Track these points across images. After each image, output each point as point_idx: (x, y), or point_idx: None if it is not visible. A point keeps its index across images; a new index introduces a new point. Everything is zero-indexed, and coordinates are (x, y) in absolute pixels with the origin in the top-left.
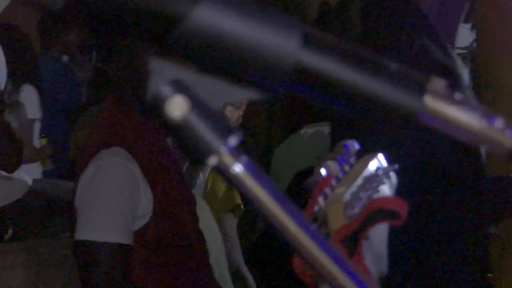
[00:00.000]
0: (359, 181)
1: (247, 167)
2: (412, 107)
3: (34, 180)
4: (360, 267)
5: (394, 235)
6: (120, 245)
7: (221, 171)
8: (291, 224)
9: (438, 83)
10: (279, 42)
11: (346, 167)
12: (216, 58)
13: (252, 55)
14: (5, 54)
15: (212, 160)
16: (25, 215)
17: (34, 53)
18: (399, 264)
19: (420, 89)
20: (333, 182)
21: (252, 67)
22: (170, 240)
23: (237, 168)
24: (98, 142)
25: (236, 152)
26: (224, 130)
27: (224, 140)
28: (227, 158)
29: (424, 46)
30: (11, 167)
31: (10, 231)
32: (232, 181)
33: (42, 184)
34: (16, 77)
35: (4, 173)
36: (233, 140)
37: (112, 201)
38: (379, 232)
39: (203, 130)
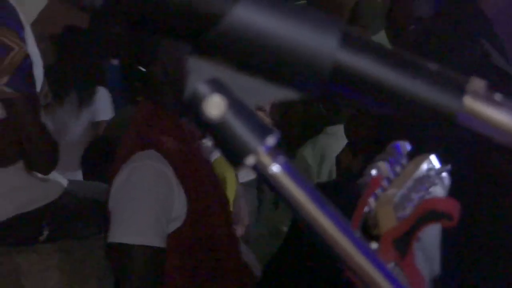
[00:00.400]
0: (410, 182)
1: (284, 167)
2: (452, 107)
3: (70, 182)
4: (411, 268)
5: (446, 236)
6: (154, 248)
7: (259, 171)
8: (329, 225)
9: (478, 83)
10: (317, 41)
11: (398, 168)
12: (253, 57)
13: (289, 54)
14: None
15: (250, 160)
16: (60, 216)
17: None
18: (451, 265)
19: (460, 89)
20: (384, 183)
21: (289, 66)
22: (203, 242)
23: (275, 168)
24: (132, 145)
25: (274, 152)
26: (262, 130)
27: (261, 140)
28: (265, 158)
29: (486, 51)
30: (47, 169)
31: (46, 233)
32: (269, 181)
33: (77, 185)
34: (87, 79)
35: (39, 175)
36: (271, 140)
37: (146, 204)
38: (431, 233)
39: (241, 130)
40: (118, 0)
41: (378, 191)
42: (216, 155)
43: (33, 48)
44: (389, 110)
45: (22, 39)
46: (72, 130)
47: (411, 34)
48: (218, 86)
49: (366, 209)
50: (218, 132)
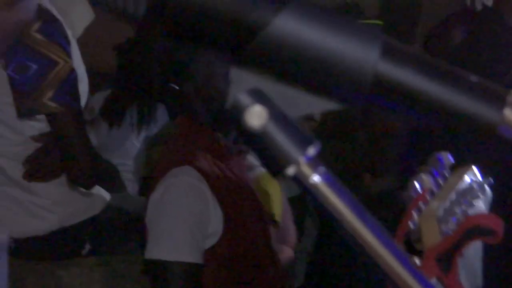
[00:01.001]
0: (453, 195)
1: (325, 177)
2: (492, 119)
3: (113, 196)
4: (454, 284)
5: (488, 251)
6: (191, 264)
7: (299, 181)
8: (369, 235)
9: None
10: (358, 52)
11: (440, 180)
12: (295, 68)
13: (331, 65)
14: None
15: (291, 170)
16: (103, 230)
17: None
18: (493, 281)
19: (500, 101)
20: (427, 196)
21: (330, 77)
22: (241, 258)
23: (316, 178)
24: (169, 161)
25: (315, 162)
26: (303, 140)
27: (303, 150)
28: (306, 168)
29: None
30: (89, 185)
31: (88, 246)
32: (310, 191)
33: (120, 200)
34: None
35: (82, 190)
36: (311, 150)
37: (182, 220)
38: (474, 248)
39: (282, 140)
40: (162, 10)
41: (421, 204)
42: (259, 171)
43: (78, 63)
44: (429, 121)
45: (68, 54)
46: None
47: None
48: (259, 97)
49: (410, 223)
50: (259, 142)
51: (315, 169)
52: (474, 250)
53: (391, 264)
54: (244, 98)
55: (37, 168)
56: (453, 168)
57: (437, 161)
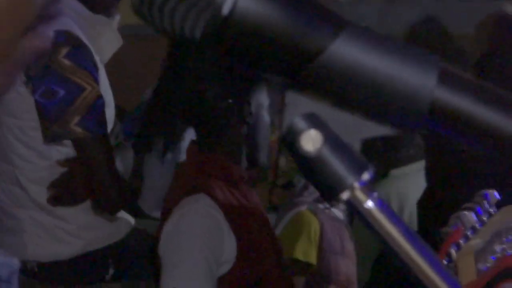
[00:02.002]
0: (495, 233)
1: (378, 203)
2: None
3: (137, 221)
4: None
5: None
6: None
7: (353, 206)
8: (422, 262)
9: None
10: (416, 78)
11: (485, 218)
12: (350, 93)
13: (387, 90)
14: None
15: (345, 195)
16: (127, 255)
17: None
18: None
19: None
20: (469, 233)
21: (387, 102)
22: (253, 285)
23: (370, 203)
24: (182, 189)
25: (368, 188)
26: (357, 165)
27: (357, 175)
28: (360, 194)
29: None
30: (114, 210)
31: (111, 271)
32: (363, 216)
33: (145, 225)
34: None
35: (107, 215)
36: (366, 176)
37: (196, 249)
38: None
39: (337, 165)
40: (218, 34)
41: (461, 240)
42: (303, 207)
43: (106, 88)
44: (485, 149)
45: (96, 80)
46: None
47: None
48: (314, 121)
49: (445, 259)
50: (314, 166)
51: (369, 195)
52: None
53: None
54: (299, 122)
55: (62, 193)
56: (499, 206)
57: (482, 198)
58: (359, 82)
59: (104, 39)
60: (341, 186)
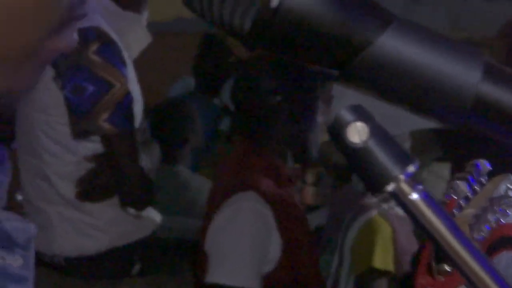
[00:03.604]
0: (487, 202)
1: (423, 195)
2: None
3: (164, 217)
4: None
5: None
6: None
7: (398, 198)
8: (466, 254)
9: None
10: (460, 72)
11: (477, 187)
12: (396, 86)
13: (432, 84)
14: None
15: (390, 187)
16: (153, 251)
17: None
18: None
19: None
20: (462, 202)
21: (431, 96)
22: (295, 285)
23: (415, 195)
24: (231, 185)
25: (413, 180)
26: (403, 157)
27: (402, 168)
28: (405, 186)
29: None
30: (141, 206)
31: (137, 267)
32: (408, 208)
33: (171, 221)
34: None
35: (134, 211)
36: (411, 168)
37: (245, 246)
38: (506, 258)
39: (382, 157)
40: (267, 26)
41: (455, 210)
42: (373, 212)
43: (134, 84)
44: None
45: (124, 76)
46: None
47: None
48: (361, 113)
49: None
50: (359, 158)
51: (414, 187)
52: (506, 261)
53: (487, 283)
54: (346, 114)
55: (90, 189)
56: (490, 175)
57: (474, 167)
58: (404, 75)
59: (132, 36)
60: (386, 178)
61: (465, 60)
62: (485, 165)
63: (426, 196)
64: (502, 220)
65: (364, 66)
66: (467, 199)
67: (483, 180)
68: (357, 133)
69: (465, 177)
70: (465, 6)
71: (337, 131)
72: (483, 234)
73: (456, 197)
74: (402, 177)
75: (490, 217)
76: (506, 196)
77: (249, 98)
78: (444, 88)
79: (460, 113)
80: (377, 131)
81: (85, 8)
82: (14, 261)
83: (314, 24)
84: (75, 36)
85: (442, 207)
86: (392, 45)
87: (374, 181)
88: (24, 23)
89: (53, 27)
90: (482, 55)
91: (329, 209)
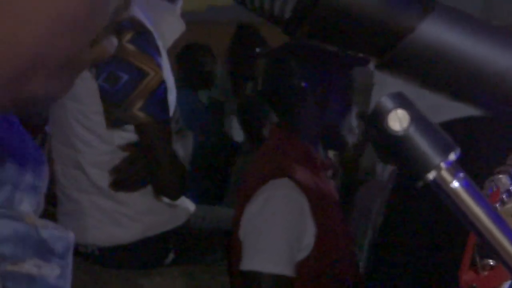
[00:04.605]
0: None
1: (464, 183)
2: None
3: (197, 207)
4: None
5: None
6: (285, 277)
7: (439, 186)
8: (507, 241)
9: None
10: (504, 59)
11: None
12: (438, 73)
13: (475, 72)
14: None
15: (431, 175)
16: (186, 241)
17: None
18: None
19: None
20: (504, 196)
21: (475, 84)
22: (328, 273)
23: (456, 183)
24: (265, 172)
25: (455, 168)
26: (444, 145)
27: (444, 155)
28: (446, 174)
29: None
30: (175, 196)
31: (171, 256)
32: (449, 196)
33: (204, 211)
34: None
35: (167, 200)
36: (452, 156)
37: (280, 234)
38: None
39: (423, 145)
40: (308, 12)
41: (497, 205)
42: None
43: (168, 74)
44: None
45: (159, 65)
46: None
47: None
48: (402, 100)
49: None
50: (400, 146)
51: (455, 175)
52: None
53: None
54: (387, 102)
55: (124, 178)
56: None
57: None
58: (446, 63)
59: (166, 25)
60: (427, 166)
61: (508, 47)
62: None
63: (468, 185)
64: None
65: (406, 53)
66: (509, 193)
67: None
68: (398, 120)
69: (508, 170)
70: None
71: (377, 119)
72: None
73: (498, 192)
74: (443, 165)
75: None
76: None
77: (277, 84)
78: (487, 75)
79: (503, 101)
80: (419, 119)
81: (128, 12)
82: (51, 271)
83: (355, 10)
84: (115, 41)
85: (484, 196)
86: (434, 31)
87: (415, 169)
88: (73, 32)
89: (94, 36)
90: None
91: (355, 203)
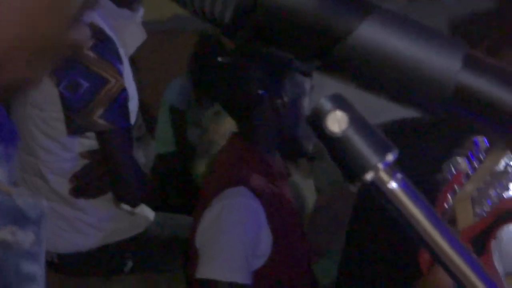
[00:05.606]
0: (488, 178)
1: (402, 184)
2: None
3: (156, 214)
4: (488, 266)
5: None
6: (241, 285)
7: (377, 187)
8: (444, 243)
9: None
10: (441, 61)
11: (475, 163)
12: (376, 75)
13: (412, 74)
14: None
15: (368, 176)
16: (145, 249)
17: None
18: None
19: None
20: (462, 178)
21: (411, 86)
22: (284, 282)
23: (394, 184)
24: (223, 180)
25: (393, 169)
26: (382, 146)
27: (381, 156)
28: (384, 174)
29: None
30: (134, 203)
31: (130, 263)
32: (386, 197)
33: (163, 218)
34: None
35: (127, 207)
36: (390, 157)
37: (236, 242)
38: (509, 232)
39: (361, 146)
40: (248, 15)
41: (456, 187)
42: None
43: (129, 81)
44: (508, 132)
45: (120, 72)
46: None
47: None
48: (340, 102)
49: (445, 205)
50: (338, 147)
51: (392, 176)
52: (509, 234)
53: (465, 272)
54: (325, 103)
55: (84, 185)
56: (488, 151)
57: (473, 144)
58: (384, 65)
59: (128, 33)
60: (365, 167)
61: (446, 49)
62: (483, 141)
63: (406, 185)
64: (503, 195)
65: (344, 56)
66: (467, 175)
67: (481, 156)
68: (336, 122)
69: (465, 153)
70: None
71: (316, 121)
72: (485, 208)
73: (456, 174)
74: (380, 165)
75: (492, 192)
76: (506, 171)
77: (234, 92)
78: (424, 77)
79: (441, 103)
80: (357, 120)
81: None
82: (26, 237)
83: (294, 13)
84: (88, 30)
85: (421, 196)
86: (372, 34)
87: (354, 170)
88: (51, 14)
89: (72, 18)
90: (463, 45)
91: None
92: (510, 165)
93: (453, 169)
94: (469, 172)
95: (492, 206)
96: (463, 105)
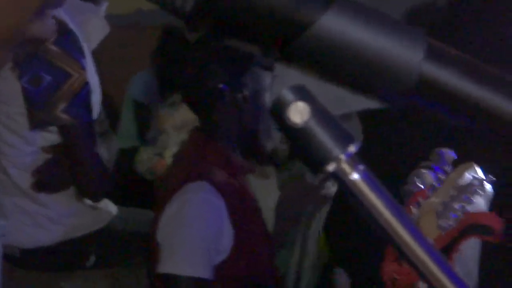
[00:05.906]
0: (453, 191)
1: (364, 175)
2: None
3: (119, 209)
4: None
5: (486, 252)
6: (203, 280)
7: (339, 178)
8: (405, 233)
9: None
10: (403, 52)
11: (441, 176)
12: (339, 66)
13: (375, 64)
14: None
15: (331, 167)
16: (108, 243)
17: None
18: (490, 280)
19: None
20: (427, 191)
21: (374, 76)
22: (246, 277)
23: (356, 175)
24: (184, 175)
25: (354, 160)
26: (344, 138)
27: (343, 148)
28: (346, 166)
29: None
30: (97, 197)
31: (92, 258)
32: (348, 188)
33: (126, 213)
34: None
35: (89, 202)
36: (352, 148)
37: (197, 236)
38: (471, 246)
39: (323, 137)
40: (209, 4)
41: (420, 199)
42: None
43: (92, 75)
44: (472, 123)
45: (82, 66)
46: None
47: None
48: (302, 93)
49: None
50: (300, 138)
51: (354, 167)
52: (471, 248)
53: (426, 263)
54: (287, 94)
55: (46, 179)
56: (455, 164)
57: (439, 156)
58: (347, 55)
59: (91, 26)
60: (327, 158)
61: (408, 39)
62: (449, 154)
63: (367, 177)
64: (467, 209)
65: (307, 46)
66: (432, 188)
67: (448, 169)
68: (298, 113)
69: (430, 166)
70: None
71: (278, 111)
72: (449, 221)
73: (421, 186)
74: (342, 156)
75: (456, 205)
76: (471, 185)
77: (196, 86)
78: (387, 67)
79: (403, 93)
80: (319, 111)
81: None
82: None
83: (256, 2)
84: (53, 23)
85: (384, 188)
86: (334, 24)
87: (315, 162)
88: (7, 4)
89: (34, 10)
90: (425, 35)
91: (278, 204)
92: (475, 178)
93: (417, 181)
94: (435, 184)
95: (457, 219)
96: (425, 96)
